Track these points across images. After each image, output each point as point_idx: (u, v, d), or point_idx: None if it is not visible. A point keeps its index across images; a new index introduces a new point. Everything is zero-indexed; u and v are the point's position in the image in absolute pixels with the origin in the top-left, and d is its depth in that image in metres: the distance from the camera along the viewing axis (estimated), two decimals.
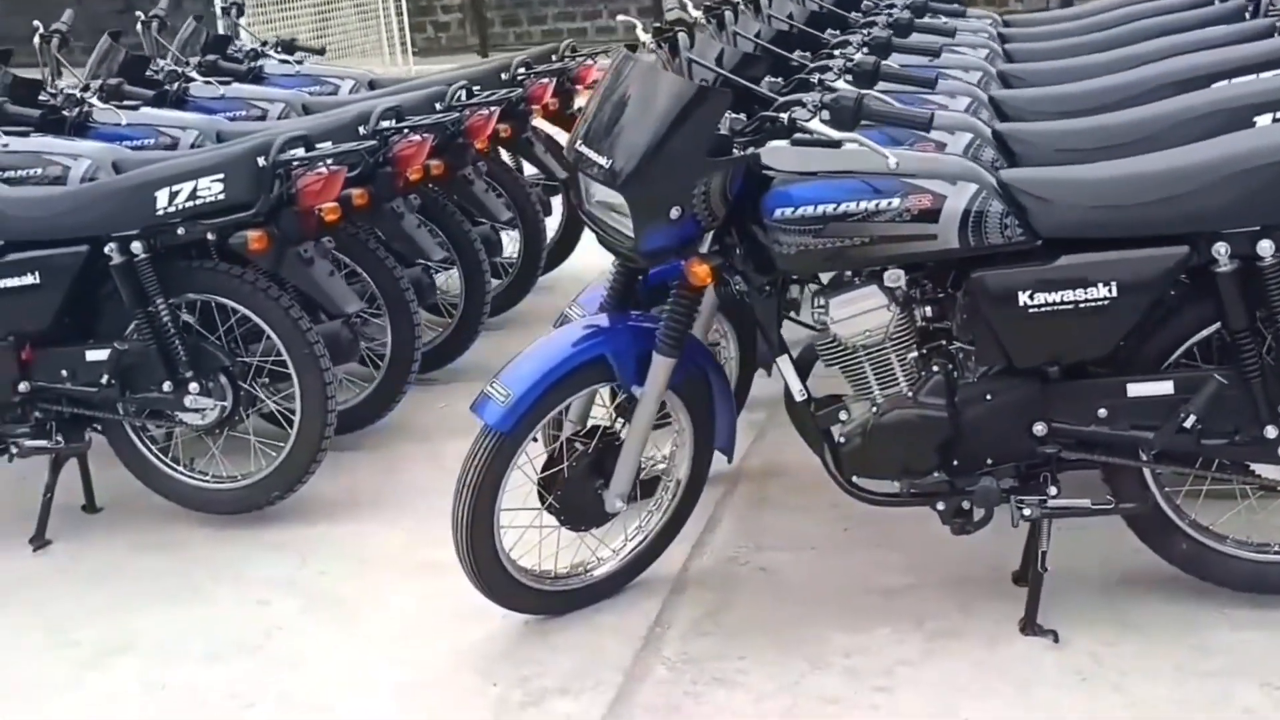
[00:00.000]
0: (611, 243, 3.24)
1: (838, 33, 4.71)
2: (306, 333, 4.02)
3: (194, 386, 4.02)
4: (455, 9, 17.35)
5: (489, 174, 5.42)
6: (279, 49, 6.49)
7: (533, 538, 3.47)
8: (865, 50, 4.14)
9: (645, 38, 4.01)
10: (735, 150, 3.15)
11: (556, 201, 6.16)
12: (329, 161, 4.02)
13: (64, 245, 4.04)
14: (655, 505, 3.56)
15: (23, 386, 4.12)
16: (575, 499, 3.38)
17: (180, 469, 4.25)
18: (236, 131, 5.22)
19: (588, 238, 6.44)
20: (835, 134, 3.01)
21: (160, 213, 3.93)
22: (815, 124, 3.04)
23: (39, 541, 4.17)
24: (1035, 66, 4.99)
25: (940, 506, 3.20)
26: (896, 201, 3.01)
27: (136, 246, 3.96)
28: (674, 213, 3.05)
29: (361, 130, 4.47)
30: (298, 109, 5.78)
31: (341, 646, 3.49)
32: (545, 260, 5.90)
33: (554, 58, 6.15)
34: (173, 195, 3.91)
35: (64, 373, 4.11)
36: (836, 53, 4.15)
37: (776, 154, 3.14)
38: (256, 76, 6.29)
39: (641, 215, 3.06)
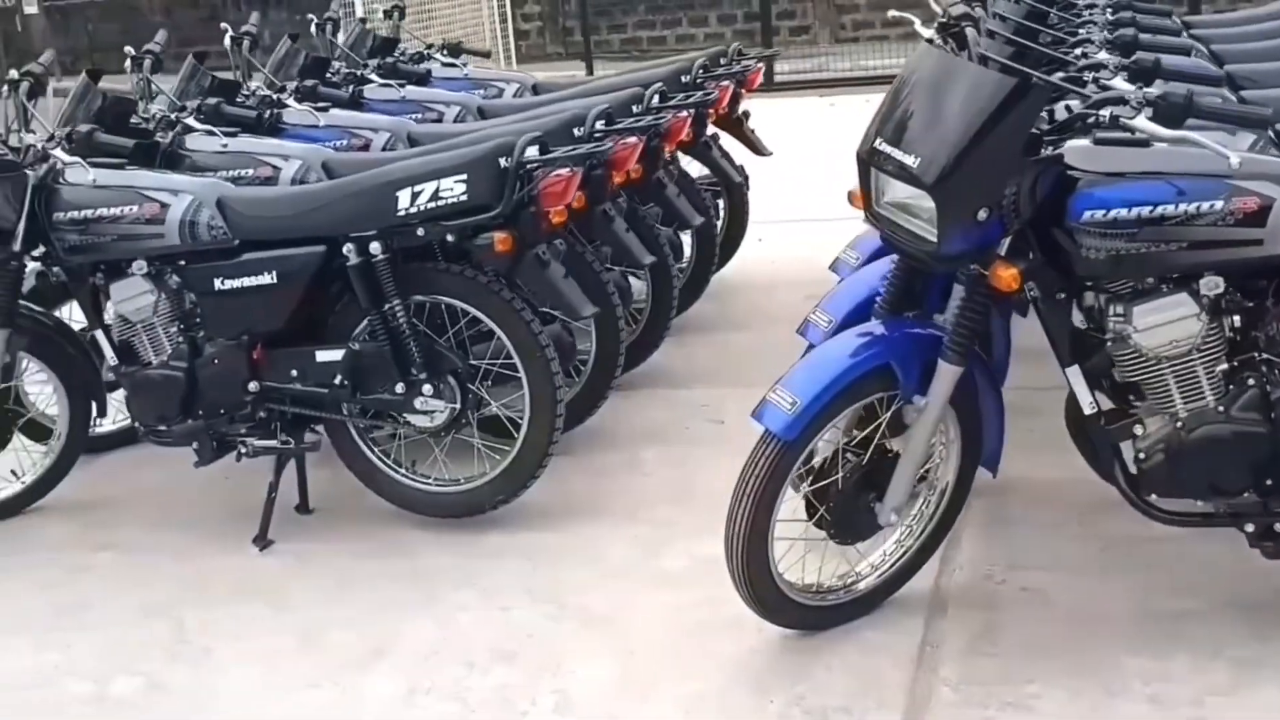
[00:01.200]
0: (902, 244, 3.17)
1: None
2: (539, 335, 3.98)
3: (427, 388, 4.00)
4: (535, 17, 17.37)
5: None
6: (444, 52, 6.47)
7: (796, 551, 3.42)
8: (1109, 48, 4.05)
9: (927, 32, 3.94)
10: (1045, 149, 3.05)
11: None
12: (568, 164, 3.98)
13: (299, 245, 4.01)
14: (916, 518, 3.50)
15: (252, 386, 4.12)
16: (847, 512, 3.33)
17: (403, 471, 4.22)
18: (426, 134, 5.21)
19: (748, 241, 6.49)
20: (1167, 132, 2.87)
21: (401, 213, 3.91)
22: (1141, 121, 2.88)
23: (263, 542, 4.16)
24: (1264, 67, 4.73)
25: (1249, 528, 3.13)
26: (1220, 204, 2.91)
27: (375, 247, 3.94)
28: (981, 214, 2.96)
29: (576, 133, 4.43)
30: (473, 111, 5.76)
31: (602, 655, 3.45)
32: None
33: (721, 61, 6.10)
34: (414, 195, 3.89)
35: (294, 373, 4.11)
36: (1083, 51, 4.04)
37: (1084, 154, 3.03)
38: (420, 80, 6.26)
39: (948, 216, 2.96)
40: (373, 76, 5.80)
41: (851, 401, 3.24)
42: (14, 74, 4.55)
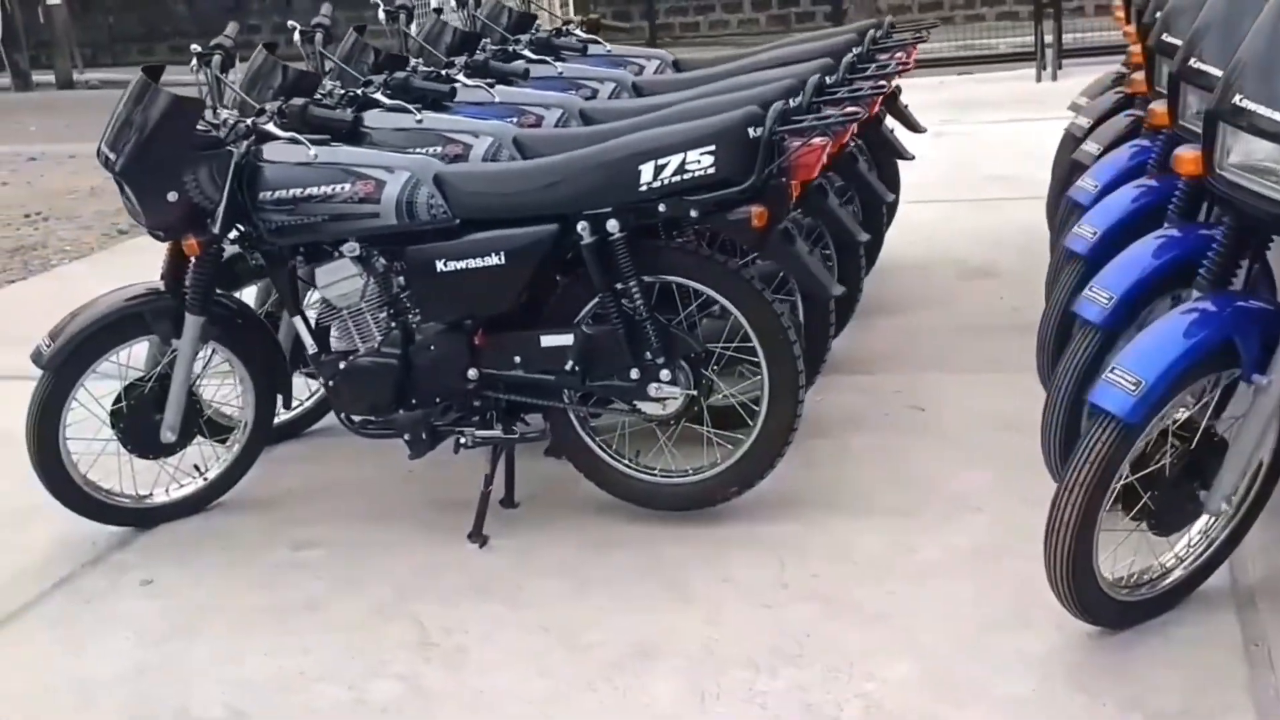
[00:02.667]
0: (1256, 208, 2.97)
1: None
2: (781, 317, 3.77)
3: (664, 374, 3.78)
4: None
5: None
6: (583, 28, 6.23)
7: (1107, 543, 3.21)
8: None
9: None
10: None
11: None
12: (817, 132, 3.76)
13: (527, 224, 3.79)
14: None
15: (471, 373, 3.91)
16: (1171, 500, 3.12)
17: (626, 462, 4.01)
18: (599, 109, 4.99)
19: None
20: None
21: (644, 188, 3.68)
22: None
23: (479, 538, 3.94)
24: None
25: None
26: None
27: (612, 224, 3.72)
28: None
29: (792, 103, 4.20)
30: (628, 87, 5.54)
31: (897, 655, 3.25)
32: None
33: (878, 36, 5.87)
34: (658, 169, 3.66)
35: (517, 359, 3.89)
36: None
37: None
38: (509, 78, 5.93)
39: None
40: (526, 53, 5.54)
41: (1192, 380, 3.04)
42: (196, 48, 4.33)
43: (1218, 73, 3.12)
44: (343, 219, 3.86)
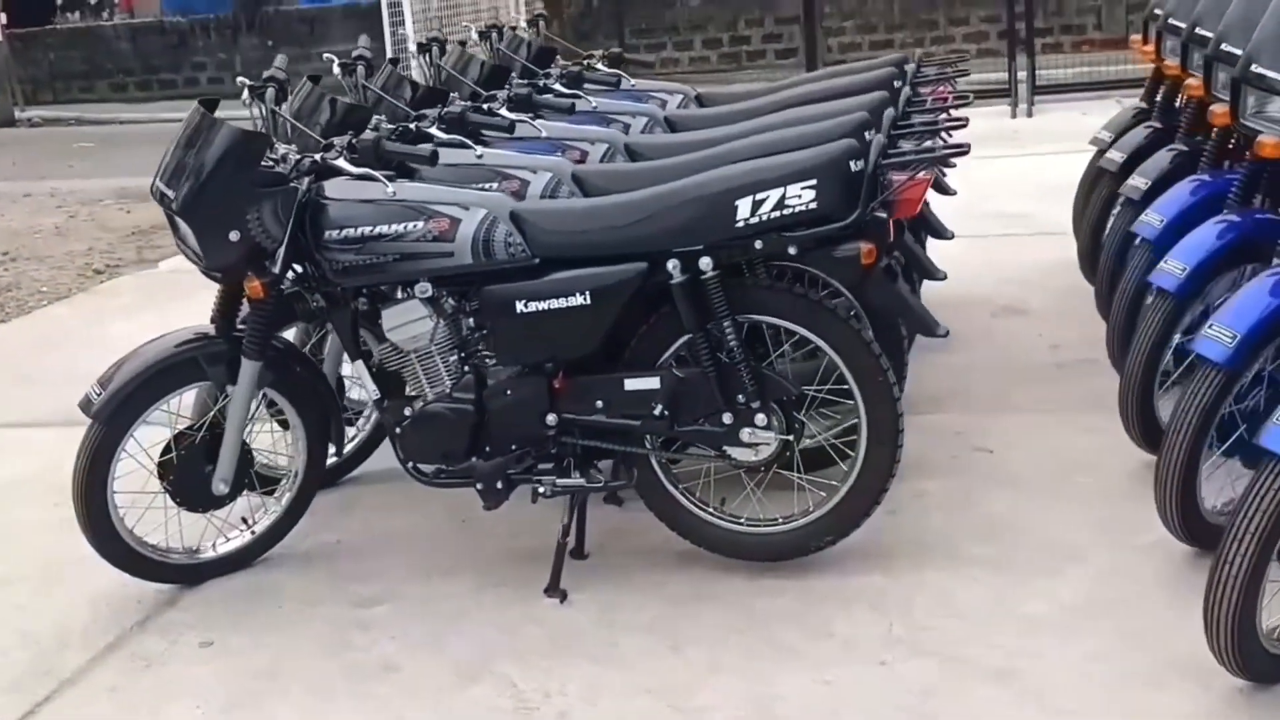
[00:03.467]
0: None
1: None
2: (879, 358, 3.62)
3: (760, 419, 3.62)
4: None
5: None
6: (605, 62, 6.07)
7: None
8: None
9: None
10: None
11: None
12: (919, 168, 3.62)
13: (610, 262, 3.62)
14: None
15: (550, 418, 3.72)
16: None
17: (712, 510, 3.84)
18: (643, 144, 4.84)
19: None
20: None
21: (740, 224, 3.53)
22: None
23: (557, 592, 3.75)
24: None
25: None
26: (421, 224, 3.65)
27: (705, 262, 3.56)
28: None
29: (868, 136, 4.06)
30: (660, 122, 5.39)
31: (1030, 713, 3.10)
32: None
33: (908, 69, 5.77)
34: (756, 204, 3.51)
35: (599, 403, 3.71)
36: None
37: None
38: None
39: None
40: (558, 87, 5.36)
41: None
42: (243, 80, 4.13)
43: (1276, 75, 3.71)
44: (414, 258, 3.67)
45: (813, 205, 3.49)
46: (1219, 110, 4.29)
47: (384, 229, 3.65)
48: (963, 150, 3.66)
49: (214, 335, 3.93)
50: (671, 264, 3.57)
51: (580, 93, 5.40)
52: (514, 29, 5.98)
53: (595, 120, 5.27)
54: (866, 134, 3.97)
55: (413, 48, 4.98)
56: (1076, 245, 6.03)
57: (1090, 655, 3.31)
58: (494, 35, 5.76)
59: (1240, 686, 3.09)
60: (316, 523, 4.30)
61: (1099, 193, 5.69)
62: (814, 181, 3.49)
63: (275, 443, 4.28)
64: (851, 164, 3.51)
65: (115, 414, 3.78)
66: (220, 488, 3.96)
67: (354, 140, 3.67)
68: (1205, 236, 3.96)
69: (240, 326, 3.94)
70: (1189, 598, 3.24)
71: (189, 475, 3.94)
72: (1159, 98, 5.76)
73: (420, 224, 3.65)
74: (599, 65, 5.98)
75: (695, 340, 3.62)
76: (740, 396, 3.63)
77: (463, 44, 5.32)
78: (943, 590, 3.67)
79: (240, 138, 3.64)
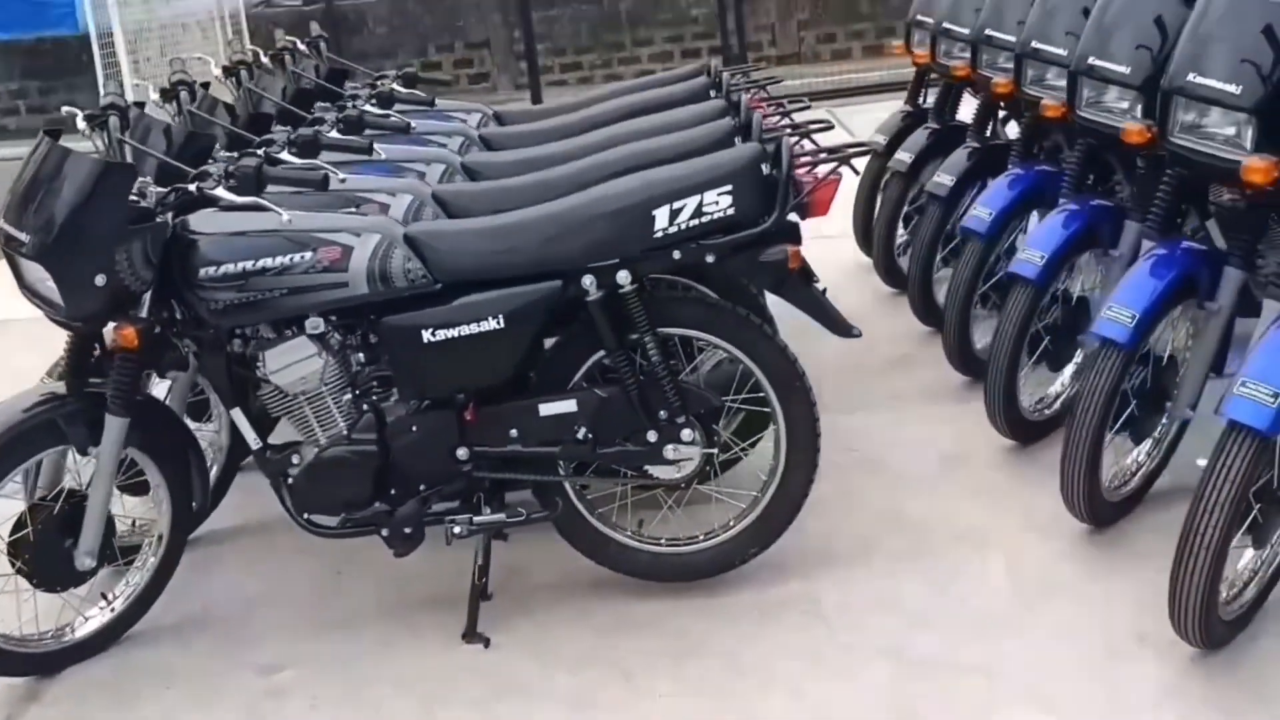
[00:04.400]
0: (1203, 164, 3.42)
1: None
2: (795, 364, 3.57)
3: (685, 433, 3.50)
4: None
5: None
6: (400, 81, 5.79)
7: None
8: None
9: None
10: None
11: None
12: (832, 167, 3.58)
13: (520, 282, 3.45)
14: None
15: (461, 453, 3.51)
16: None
17: (630, 535, 3.70)
18: (481, 163, 4.66)
19: None
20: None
21: (659, 234, 3.40)
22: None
23: (476, 637, 3.54)
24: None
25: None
26: (309, 254, 3.32)
27: (623, 276, 3.42)
28: None
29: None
30: (476, 141, 5.21)
31: (1021, 704, 3.11)
32: None
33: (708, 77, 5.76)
34: (674, 213, 3.39)
35: (513, 432, 3.51)
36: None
37: (210, 219, 3.40)
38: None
39: None
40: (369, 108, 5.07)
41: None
42: (75, 110, 3.75)
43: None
44: (303, 291, 3.38)
45: (730, 211, 3.41)
46: (1051, 104, 4.42)
47: (268, 262, 3.36)
48: (871, 148, 3.64)
49: (65, 394, 3.52)
50: (587, 280, 3.42)
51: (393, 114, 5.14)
52: (260, 62, 5.59)
53: (417, 141, 5.04)
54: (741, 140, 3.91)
55: (154, 95, 4.56)
56: (865, 248, 6.12)
57: (1049, 635, 3.34)
58: (242, 72, 5.37)
59: (1192, 654, 3.16)
60: (173, 591, 3.89)
61: (888, 195, 5.74)
62: (730, 187, 3.40)
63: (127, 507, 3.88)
64: (764, 167, 3.44)
65: None
66: (85, 562, 3.56)
67: (233, 168, 3.35)
68: (1054, 225, 4.18)
69: (94, 381, 3.56)
70: (1108, 572, 3.56)
71: (47, 551, 3.54)
72: (925, 100, 5.97)
73: (308, 254, 3.37)
74: (395, 85, 5.72)
75: (615, 357, 3.47)
76: (663, 412, 3.50)
77: (140, 105, 4.78)
78: (877, 590, 3.63)
79: (107, 170, 3.27)
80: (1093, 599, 3.48)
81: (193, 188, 3.36)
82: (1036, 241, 4.18)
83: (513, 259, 3.45)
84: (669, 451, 3.52)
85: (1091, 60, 4.08)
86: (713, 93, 5.24)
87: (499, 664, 3.46)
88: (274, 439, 3.66)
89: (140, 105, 4.55)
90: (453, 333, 3.40)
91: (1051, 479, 3.76)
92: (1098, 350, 3.58)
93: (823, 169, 3.57)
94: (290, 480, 3.52)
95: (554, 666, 3.42)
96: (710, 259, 3.45)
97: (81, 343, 3.58)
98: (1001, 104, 5.20)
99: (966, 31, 5.24)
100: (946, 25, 5.45)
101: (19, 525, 3.52)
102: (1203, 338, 3.67)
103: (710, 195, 3.39)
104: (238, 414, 3.53)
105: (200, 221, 3.44)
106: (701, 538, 3.69)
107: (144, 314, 3.39)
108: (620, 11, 15.41)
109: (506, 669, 3.43)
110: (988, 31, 5.02)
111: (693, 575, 3.68)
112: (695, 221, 3.40)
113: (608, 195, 3.47)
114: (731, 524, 3.67)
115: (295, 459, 3.53)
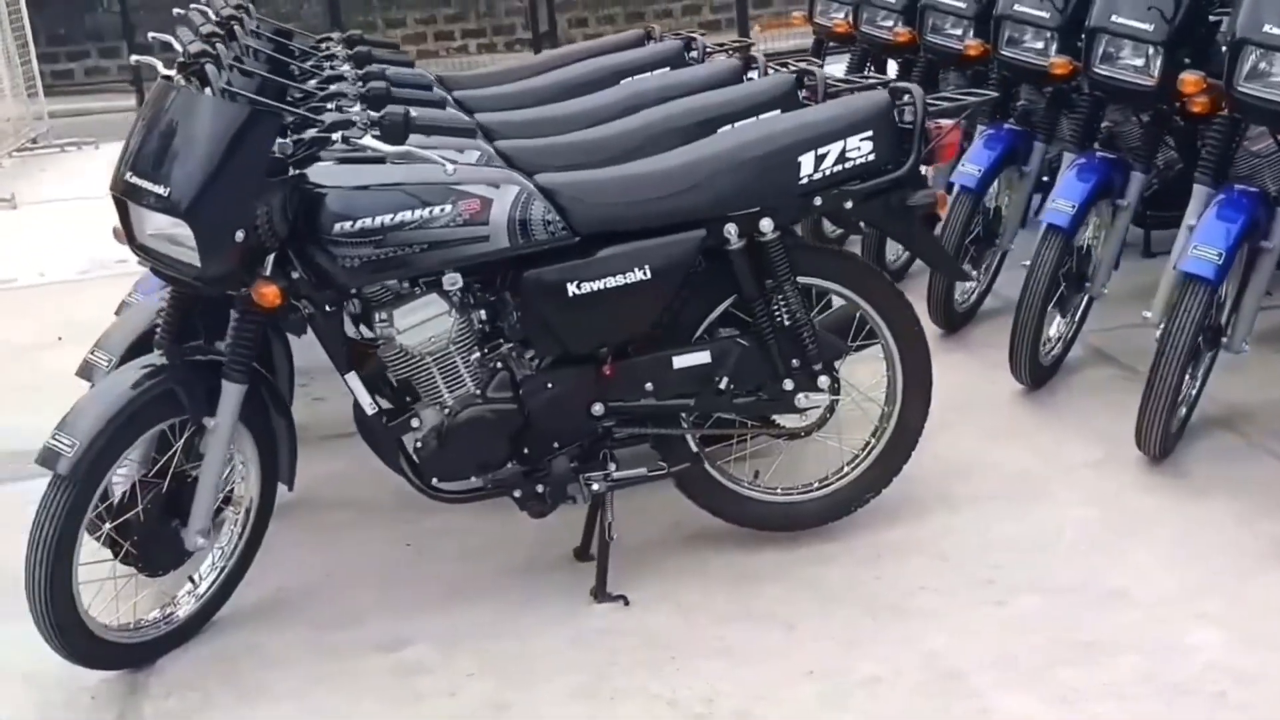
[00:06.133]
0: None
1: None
2: (912, 311, 3.64)
3: (822, 381, 3.52)
4: None
5: None
6: (344, 45, 5.51)
7: None
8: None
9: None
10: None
11: None
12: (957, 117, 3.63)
13: (659, 233, 3.39)
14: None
15: (596, 409, 3.43)
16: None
17: (748, 485, 3.69)
18: (494, 121, 4.52)
19: None
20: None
21: (804, 181, 3.40)
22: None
23: (606, 597, 3.48)
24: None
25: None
26: (449, 208, 3.18)
27: (766, 224, 3.41)
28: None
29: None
30: (453, 104, 5.03)
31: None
32: None
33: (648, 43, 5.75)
34: (819, 159, 3.40)
35: (648, 385, 3.46)
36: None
37: (328, 173, 3.21)
38: None
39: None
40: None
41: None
42: (152, 60, 3.48)
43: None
44: (444, 246, 3.23)
45: (870, 157, 3.44)
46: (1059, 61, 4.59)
47: (406, 216, 3.19)
48: (994, 97, 3.72)
49: (171, 363, 3.28)
50: (730, 228, 3.38)
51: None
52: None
53: None
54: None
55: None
56: None
57: (1166, 556, 3.51)
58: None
59: None
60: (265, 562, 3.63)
61: None
62: (870, 132, 3.43)
63: None
64: (894, 114, 3.47)
65: (91, 468, 3.08)
66: (196, 541, 3.34)
67: (383, 116, 3.14)
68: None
69: (190, 347, 3.33)
70: (1182, 497, 3.80)
71: (156, 532, 3.29)
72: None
73: (448, 207, 3.22)
74: (336, 49, 5.47)
75: (755, 306, 3.45)
76: (796, 360, 3.50)
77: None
78: (979, 530, 3.72)
79: (252, 117, 3.04)
80: (1189, 518, 3.66)
81: (336, 136, 3.16)
82: (1064, 192, 4.36)
83: (654, 209, 3.39)
84: (800, 400, 3.52)
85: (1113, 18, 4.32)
86: (690, 55, 5.23)
87: (643, 622, 3.39)
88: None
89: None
90: (599, 285, 3.32)
91: (1075, 419, 4.22)
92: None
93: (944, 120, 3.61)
94: (419, 445, 3.36)
95: (701, 620, 3.38)
96: (848, 205, 3.46)
97: (182, 307, 3.34)
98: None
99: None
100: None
101: (120, 507, 3.25)
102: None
103: (853, 141, 3.41)
104: (353, 378, 3.34)
105: (321, 174, 3.24)
106: (816, 485, 3.70)
107: (267, 273, 3.18)
108: None
109: (660, 627, 3.37)
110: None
111: (811, 523, 3.70)
112: (839, 167, 3.42)
113: (751, 141, 3.45)
114: (846, 470, 3.69)
115: (415, 423, 3.38)
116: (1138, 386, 3.95)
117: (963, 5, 5.25)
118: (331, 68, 4.78)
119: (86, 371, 3.60)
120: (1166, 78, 4.14)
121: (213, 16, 4.51)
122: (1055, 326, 4.61)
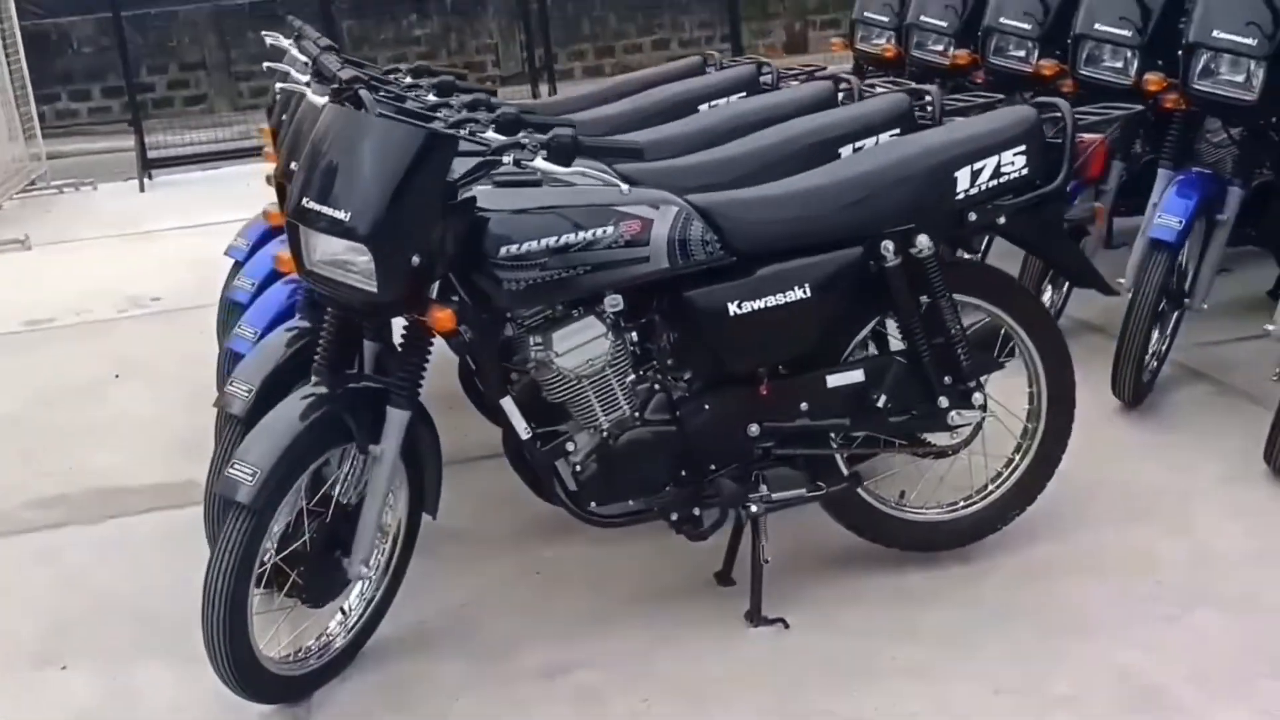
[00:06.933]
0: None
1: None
2: (1057, 327, 3.65)
3: (977, 398, 3.51)
4: None
5: None
6: (411, 75, 5.47)
7: None
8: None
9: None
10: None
11: None
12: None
13: (814, 251, 3.38)
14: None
15: (753, 429, 3.41)
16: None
17: (894, 505, 3.67)
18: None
19: None
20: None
21: (960, 196, 3.40)
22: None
23: (761, 621, 3.43)
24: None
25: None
26: (611, 229, 3.14)
27: (923, 240, 3.40)
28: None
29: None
30: None
31: None
32: None
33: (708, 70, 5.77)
34: (974, 174, 3.40)
35: (803, 405, 3.43)
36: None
37: (493, 196, 3.15)
38: None
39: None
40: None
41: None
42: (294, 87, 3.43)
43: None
44: (607, 268, 3.19)
45: (1024, 171, 3.45)
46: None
47: (570, 238, 3.15)
48: (1140, 111, 3.75)
49: (334, 391, 3.23)
50: (887, 245, 3.37)
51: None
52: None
53: None
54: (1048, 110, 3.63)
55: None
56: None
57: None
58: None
59: None
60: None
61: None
62: (1024, 147, 3.44)
63: None
64: (1044, 129, 3.49)
65: (271, 497, 3.02)
66: (360, 570, 3.28)
67: (552, 138, 3.11)
68: (1175, 193, 4.50)
69: (349, 374, 3.29)
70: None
71: (322, 562, 3.23)
72: None
73: (610, 229, 3.18)
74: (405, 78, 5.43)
75: (910, 323, 3.44)
76: (949, 378, 3.49)
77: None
78: (1127, 546, 3.71)
79: (431, 140, 3.00)
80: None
81: (507, 160, 3.12)
82: (1170, 208, 4.40)
83: (811, 227, 3.38)
84: (954, 417, 3.51)
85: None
86: (764, 80, 5.24)
87: (809, 643, 3.35)
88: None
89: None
90: (760, 304, 3.30)
91: (1181, 435, 4.34)
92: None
93: (1088, 135, 3.63)
94: (578, 469, 3.32)
95: (869, 642, 3.34)
96: (1001, 220, 3.47)
97: (342, 335, 3.29)
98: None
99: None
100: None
101: (285, 538, 3.19)
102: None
103: (1007, 156, 3.42)
104: (508, 403, 3.29)
105: (483, 198, 3.19)
106: (962, 504, 3.68)
107: (434, 297, 3.13)
108: None
109: (821, 647, 3.33)
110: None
111: (956, 542, 3.68)
112: (994, 182, 3.42)
113: (908, 157, 3.44)
114: (991, 488, 3.68)
115: (570, 447, 3.33)
116: (1239, 404, 3.99)
117: (1027, 27, 5.47)
118: (415, 97, 4.75)
119: (226, 402, 3.53)
120: (1270, 91, 4.25)
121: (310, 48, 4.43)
122: (1152, 342, 4.60)
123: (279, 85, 4.34)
